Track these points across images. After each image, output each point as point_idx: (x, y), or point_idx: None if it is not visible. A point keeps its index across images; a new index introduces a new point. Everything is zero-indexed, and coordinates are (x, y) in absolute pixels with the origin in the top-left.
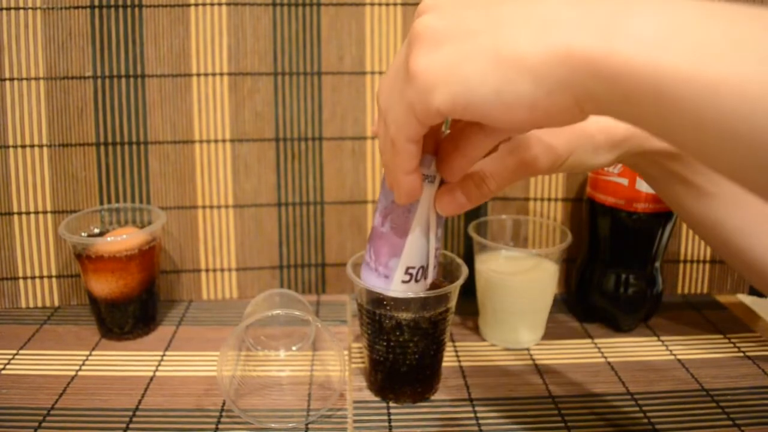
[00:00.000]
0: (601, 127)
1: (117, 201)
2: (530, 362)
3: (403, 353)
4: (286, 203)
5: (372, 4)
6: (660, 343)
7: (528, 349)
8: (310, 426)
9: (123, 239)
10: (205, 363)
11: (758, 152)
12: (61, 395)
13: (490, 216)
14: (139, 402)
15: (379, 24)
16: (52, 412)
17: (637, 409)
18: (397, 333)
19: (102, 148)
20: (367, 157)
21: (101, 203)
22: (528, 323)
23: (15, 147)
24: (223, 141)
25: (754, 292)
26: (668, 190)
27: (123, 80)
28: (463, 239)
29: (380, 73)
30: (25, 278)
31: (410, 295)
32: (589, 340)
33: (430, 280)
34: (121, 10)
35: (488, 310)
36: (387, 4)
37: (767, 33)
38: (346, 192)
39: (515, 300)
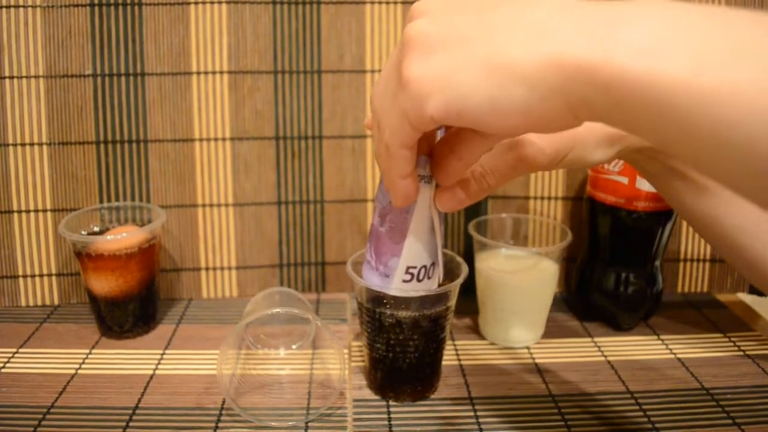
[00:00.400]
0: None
1: (117, 199)
2: (530, 361)
3: (403, 352)
4: (286, 202)
5: (372, 3)
6: (660, 341)
7: (528, 348)
8: (309, 424)
9: (123, 237)
10: (205, 361)
11: (751, 160)
12: (60, 394)
13: (490, 215)
14: (139, 400)
15: (380, 22)
16: (51, 411)
17: (637, 408)
18: (397, 331)
19: (102, 146)
20: (367, 156)
21: (101, 201)
22: (528, 322)
23: (15, 145)
24: (223, 139)
25: (754, 290)
26: (668, 187)
27: (123, 78)
28: (463, 238)
29: (380, 71)
30: (24, 276)
31: (410, 293)
32: (589, 339)
33: (436, 278)
34: (120, 8)
35: (488, 309)
36: (387, 3)
37: (761, 40)
38: (346, 190)
39: (515, 299)
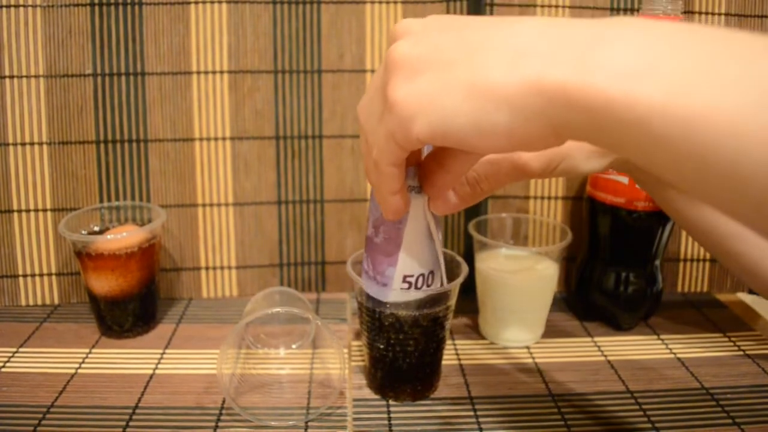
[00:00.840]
0: None
1: (117, 199)
2: (530, 360)
3: (403, 351)
4: (286, 201)
5: (372, 2)
6: (660, 341)
7: (528, 348)
8: (309, 424)
9: (123, 237)
10: (204, 361)
11: (733, 182)
12: (60, 393)
13: (490, 214)
14: (139, 400)
15: (380, 22)
16: (51, 410)
17: (637, 407)
18: (397, 331)
19: (102, 145)
20: None
21: (101, 201)
22: (528, 321)
23: (15, 145)
24: (223, 139)
25: (753, 290)
26: (662, 195)
27: (123, 78)
28: (463, 237)
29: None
30: (24, 276)
31: (410, 293)
32: (588, 339)
33: (437, 286)
34: (121, 7)
35: (488, 309)
36: (387, 2)
37: (737, 61)
38: (346, 190)
39: (515, 298)
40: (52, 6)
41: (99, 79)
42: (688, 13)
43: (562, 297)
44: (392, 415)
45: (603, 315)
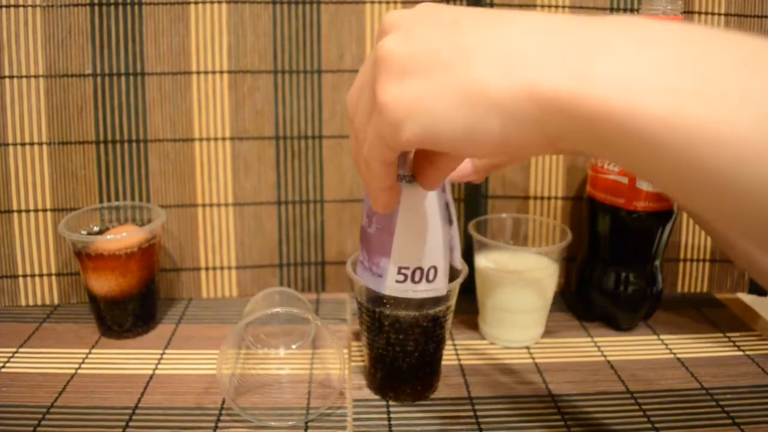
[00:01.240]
0: None
1: (117, 199)
2: (530, 361)
3: (403, 351)
4: (286, 201)
5: (372, 2)
6: (660, 341)
7: (528, 348)
8: (309, 424)
9: (123, 237)
10: (204, 361)
11: (731, 196)
12: (60, 393)
13: (490, 214)
14: (139, 400)
15: (380, 21)
16: (51, 410)
17: (637, 407)
18: (397, 331)
19: (102, 146)
20: None
21: (101, 201)
22: (527, 321)
23: (14, 145)
24: (223, 139)
25: (753, 290)
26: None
27: (123, 78)
28: (463, 237)
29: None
30: (24, 276)
31: (408, 294)
32: (588, 339)
33: (440, 283)
34: (120, 7)
35: (488, 309)
36: (387, 2)
37: (738, 71)
38: (346, 190)
39: (515, 298)
40: (52, 6)
41: (99, 79)
42: (688, 13)
43: (563, 297)
44: (392, 416)
45: (603, 315)
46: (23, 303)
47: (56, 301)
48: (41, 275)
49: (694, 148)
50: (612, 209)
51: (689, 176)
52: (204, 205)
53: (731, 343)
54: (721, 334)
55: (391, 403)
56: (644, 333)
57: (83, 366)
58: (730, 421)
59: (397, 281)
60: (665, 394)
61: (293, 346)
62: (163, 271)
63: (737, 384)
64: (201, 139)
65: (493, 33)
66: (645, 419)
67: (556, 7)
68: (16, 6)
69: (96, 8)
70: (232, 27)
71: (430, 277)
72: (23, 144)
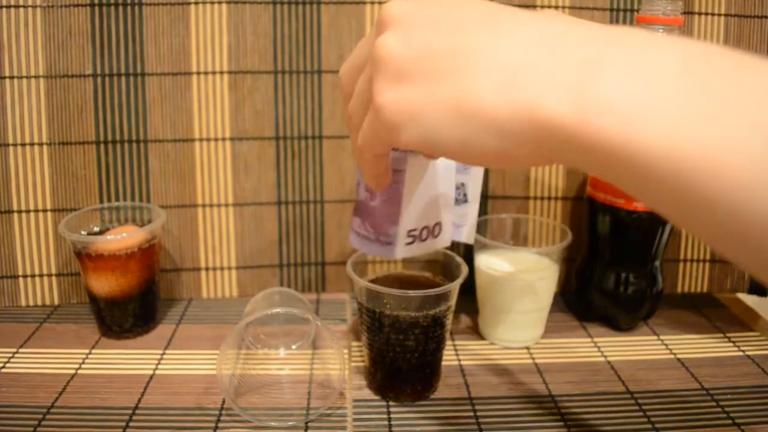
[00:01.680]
0: None
1: (117, 199)
2: (530, 361)
3: (403, 352)
4: (286, 202)
5: (372, 2)
6: (660, 342)
7: (528, 348)
8: (309, 424)
9: (123, 237)
10: (204, 361)
11: (730, 227)
12: (60, 394)
13: (490, 215)
14: (139, 400)
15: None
16: (51, 411)
17: (637, 408)
18: (397, 331)
19: (102, 146)
20: None
21: (101, 201)
22: (528, 322)
23: (15, 145)
24: (223, 139)
25: (753, 290)
26: None
27: (123, 78)
28: None
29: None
30: (24, 276)
31: (416, 252)
32: (588, 339)
33: (442, 238)
34: (121, 8)
35: (488, 309)
36: (387, 2)
37: (744, 101)
38: (346, 190)
39: (515, 299)
40: (52, 6)
41: (99, 79)
42: (688, 13)
43: (562, 297)
44: (392, 416)
45: (603, 315)
46: (23, 303)
47: (56, 302)
48: (41, 275)
49: (694, 180)
50: (612, 210)
51: (689, 204)
52: (204, 206)
53: (731, 344)
54: (721, 335)
55: (391, 403)
56: (644, 333)
57: (83, 366)
58: (730, 421)
59: (406, 244)
60: (665, 394)
61: (293, 347)
62: (164, 271)
63: (737, 384)
64: (201, 140)
65: (493, 39)
66: (645, 419)
67: (556, 7)
68: (17, 6)
69: (96, 9)
70: (232, 27)
71: (436, 232)
72: (23, 144)
